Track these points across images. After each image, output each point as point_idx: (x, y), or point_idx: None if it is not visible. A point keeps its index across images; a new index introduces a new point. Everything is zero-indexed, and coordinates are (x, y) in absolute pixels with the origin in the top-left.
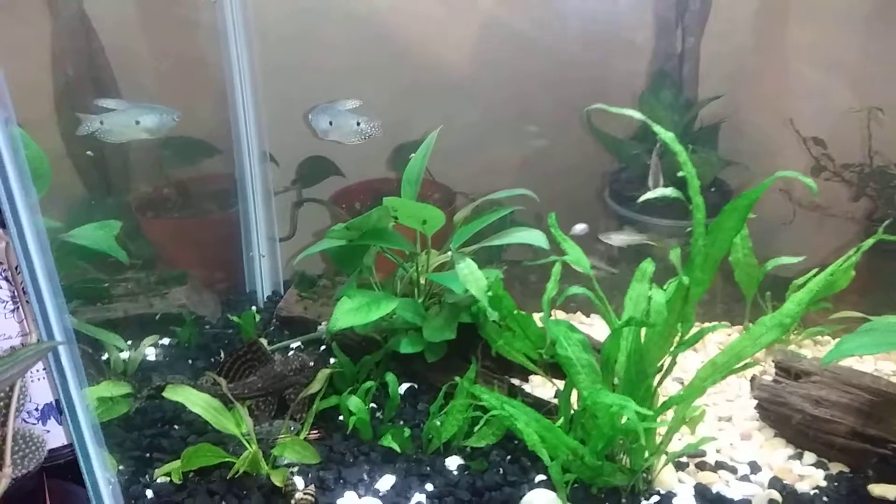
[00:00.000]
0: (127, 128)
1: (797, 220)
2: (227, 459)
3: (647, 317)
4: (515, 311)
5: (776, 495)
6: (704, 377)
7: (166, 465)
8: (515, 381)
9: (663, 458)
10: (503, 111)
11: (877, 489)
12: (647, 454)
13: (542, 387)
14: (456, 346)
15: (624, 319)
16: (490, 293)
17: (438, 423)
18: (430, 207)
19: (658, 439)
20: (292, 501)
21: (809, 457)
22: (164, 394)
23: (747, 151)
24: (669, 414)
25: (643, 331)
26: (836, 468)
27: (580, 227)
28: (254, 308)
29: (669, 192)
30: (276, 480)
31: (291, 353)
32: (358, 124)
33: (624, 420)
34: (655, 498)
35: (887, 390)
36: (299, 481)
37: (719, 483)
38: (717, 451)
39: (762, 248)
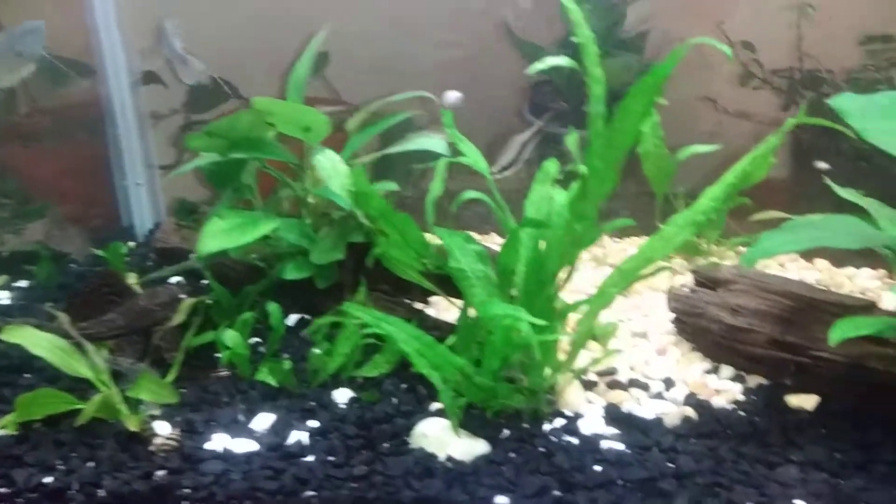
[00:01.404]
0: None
1: (726, 133)
2: (77, 406)
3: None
4: (389, 211)
5: (690, 411)
6: (612, 284)
7: (6, 416)
8: (432, 310)
9: (570, 377)
10: (416, 19)
11: (794, 400)
12: (548, 372)
13: (448, 311)
14: (352, 271)
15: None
16: (354, 189)
17: (319, 351)
18: (313, 111)
19: (564, 357)
20: (151, 447)
21: (727, 370)
22: (2, 336)
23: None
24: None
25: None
26: (754, 381)
27: (453, 96)
28: (132, 243)
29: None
30: (132, 425)
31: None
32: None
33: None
34: (561, 420)
35: (808, 295)
36: (165, 426)
37: (631, 402)
38: (631, 369)
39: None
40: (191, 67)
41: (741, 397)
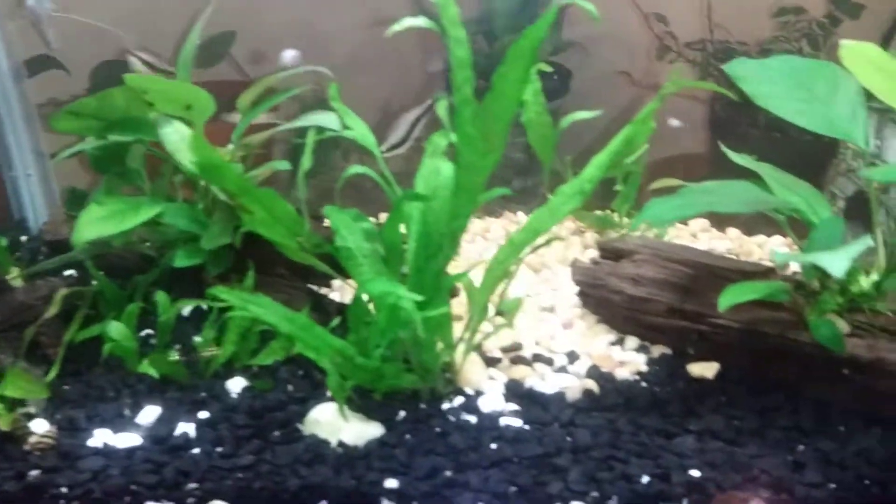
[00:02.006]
0: None
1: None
2: None
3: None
4: (248, 186)
5: (592, 384)
6: (503, 258)
7: None
8: (336, 294)
9: (470, 354)
10: None
11: (696, 368)
12: (443, 350)
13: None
14: (251, 256)
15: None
16: (198, 161)
17: (200, 339)
18: (196, 89)
19: (466, 335)
20: (26, 446)
21: (632, 341)
22: None
23: (590, 34)
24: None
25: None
26: (658, 351)
27: (289, 55)
28: (24, 236)
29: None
30: (3, 425)
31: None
32: None
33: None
34: (460, 399)
35: (706, 262)
36: (43, 423)
37: (534, 377)
38: (537, 344)
39: (602, 132)
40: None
41: (645, 368)
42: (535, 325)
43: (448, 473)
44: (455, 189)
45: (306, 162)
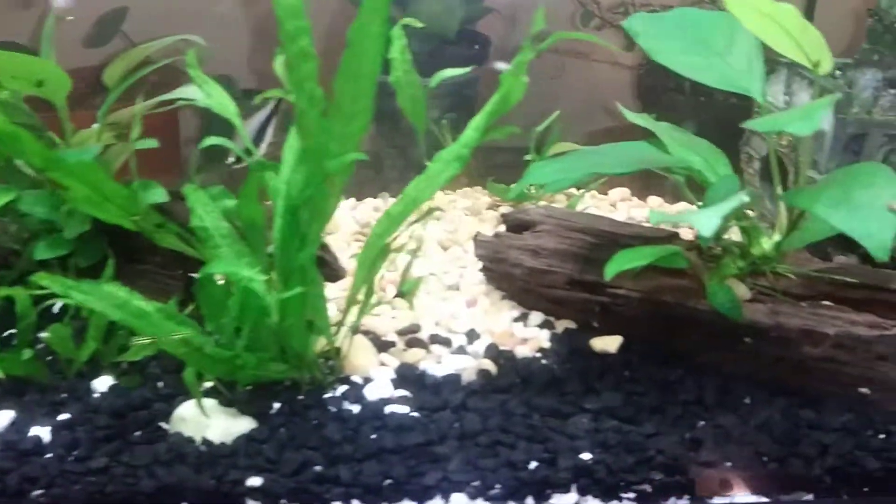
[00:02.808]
0: None
1: (570, 74)
2: None
3: None
4: (57, 159)
5: (489, 364)
6: (381, 232)
7: None
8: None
9: (359, 339)
10: None
11: (598, 343)
12: (316, 334)
13: None
14: (122, 244)
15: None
16: None
17: (52, 336)
18: (49, 64)
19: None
20: None
21: (536, 317)
22: None
23: (512, 1)
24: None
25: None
26: (563, 325)
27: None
28: None
29: None
30: None
31: None
32: None
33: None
34: (344, 387)
35: (609, 230)
36: None
37: (429, 360)
38: (437, 324)
39: (533, 105)
40: None
41: (547, 344)
42: (438, 304)
43: (318, 468)
44: (304, 156)
45: (135, 138)
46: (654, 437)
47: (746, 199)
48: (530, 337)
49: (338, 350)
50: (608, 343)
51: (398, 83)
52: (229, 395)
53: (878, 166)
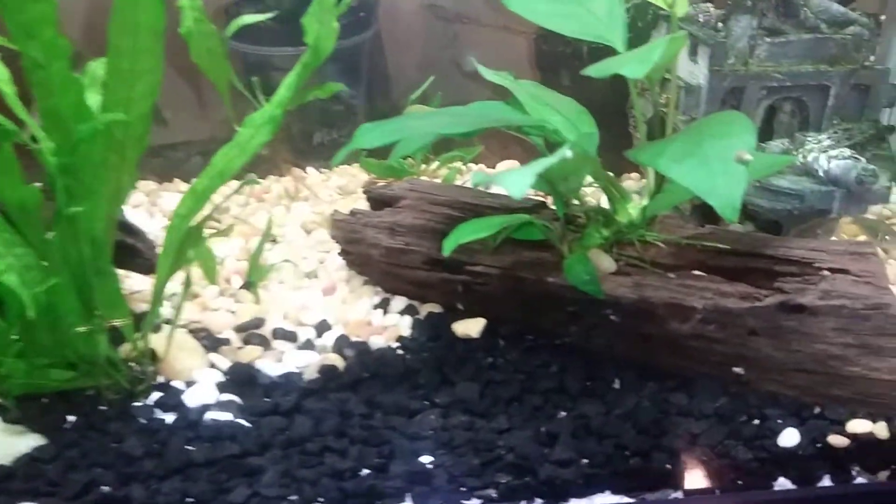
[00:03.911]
0: None
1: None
2: None
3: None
4: None
5: (336, 359)
6: (185, 213)
7: None
8: None
9: (181, 339)
10: None
11: (460, 327)
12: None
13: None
14: None
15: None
16: None
17: None
18: None
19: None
20: None
21: (399, 302)
22: None
23: None
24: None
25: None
26: (428, 310)
27: None
28: None
29: None
30: None
31: None
32: None
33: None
34: (159, 394)
35: (472, 201)
36: None
37: (269, 358)
38: (285, 317)
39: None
40: None
41: (407, 332)
42: (291, 295)
43: (105, 489)
44: (48, 121)
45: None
46: (507, 432)
47: (569, 154)
48: (390, 325)
49: (152, 352)
50: (470, 327)
51: (189, 35)
52: (16, 411)
53: (735, 115)
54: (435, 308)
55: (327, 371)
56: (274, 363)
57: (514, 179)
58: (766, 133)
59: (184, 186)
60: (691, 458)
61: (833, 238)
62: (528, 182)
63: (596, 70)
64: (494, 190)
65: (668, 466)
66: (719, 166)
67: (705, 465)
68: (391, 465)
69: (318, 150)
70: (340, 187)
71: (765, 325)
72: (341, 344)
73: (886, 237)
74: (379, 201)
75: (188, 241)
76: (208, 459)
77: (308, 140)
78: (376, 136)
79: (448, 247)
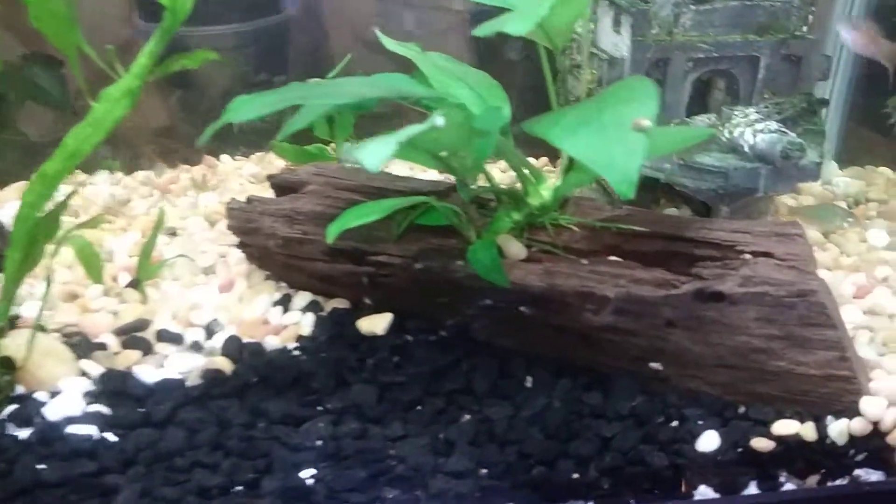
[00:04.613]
0: None
1: (393, 22)
2: None
3: None
4: None
5: (224, 362)
6: (33, 201)
7: None
8: None
9: (44, 344)
10: None
11: (365, 324)
12: None
13: None
14: None
15: None
16: None
17: None
18: None
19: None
20: None
21: (302, 299)
22: None
23: None
24: None
25: None
26: (334, 306)
27: None
28: None
29: None
30: None
31: None
32: None
33: None
34: (13, 407)
35: (379, 185)
36: None
37: (149, 363)
38: (173, 318)
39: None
40: None
41: (308, 331)
42: (182, 293)
43: None
44: None
45: None
46: (401, 440)
47: (440, 122)
48: (290, 323)
49: (7, 360)
50: (375, 323)
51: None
52: None
53: (642, 80)
54: (342, 304)
55: (212, 376)
56: (154, 369)
57: (371, 150)
58: (697, 110)
59: None
60: (601, 466)
61: (770, 219)
62: (386, 153)
63: (482, 30)
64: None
65: (575, 476)
66: (616, 135)
67: (615, 474)
68: (265, 481)
69: (240, 137)
70: (254, 175)
71: (682, 315)
72: (231, 346)
73: (849, 219)
74: (283, 188)
75: (41, 231)
76: (60, 479)
77: (228, 125)
78: (253, 108)
79: (331, 233)
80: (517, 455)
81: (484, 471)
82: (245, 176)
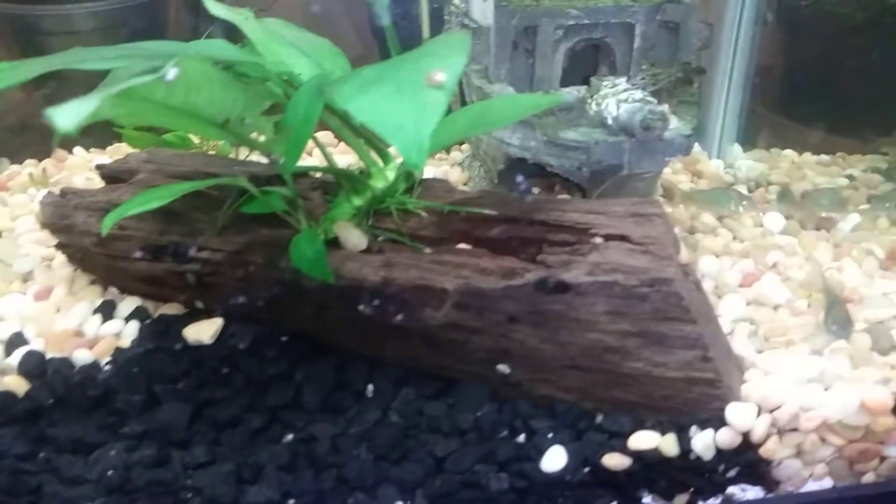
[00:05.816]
0: None
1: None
2: None
3: None
4: None
5: (17, 382)
6: None
7: None
8: None
9: None
10: None
11: (191, 332)
12: None
13: None
14: None
15: None
16: None
17: None
18: None
19: None
20: None
21: (128, 304)
22: None
23: None
24: None
25: None
26: (163, 312)
27: None
28: None
29: None
30: None
31: None
32: None
33: None
34: None
35: (216, 171)
36: None
37: None
38: None
39: None
40: None
41: (129, 342)
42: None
43: None
44: None
45: None
46: (203, 468)
47: (171, 75)
48: (108, 334)
49: None
50: (202, 330)
51: None
52: None
53: (459, 35)
54: (173, 309)
55: (6, 399)
56: None
57: (66, 108)
58: (572, 82)
59: None
60: (431, 492)
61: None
62: (84, 110)
63: None
64: None
65: None
66: (410, 94)
67: (446, 502)
68: None
69: (104, 125)
70: None
71: (524, 309)
72: (30, 363)
73: (744, 203)
74: (112, 178)
75: None
76: None
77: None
78: (16, 74)
79: (107, 223)
80: (335, 481)
81: (291, 501)
82: (95, 169)
